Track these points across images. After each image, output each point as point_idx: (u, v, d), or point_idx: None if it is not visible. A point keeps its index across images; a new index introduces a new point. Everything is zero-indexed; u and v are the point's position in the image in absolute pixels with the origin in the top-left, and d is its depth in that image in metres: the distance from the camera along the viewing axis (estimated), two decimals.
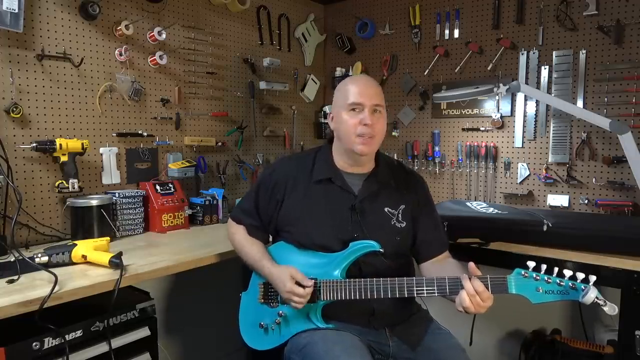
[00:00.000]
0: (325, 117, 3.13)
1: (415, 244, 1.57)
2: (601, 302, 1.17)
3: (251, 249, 1.58)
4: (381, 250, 1.41)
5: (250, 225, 1.63)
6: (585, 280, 1.19)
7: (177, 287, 2.30)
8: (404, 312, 1.53)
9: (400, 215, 1.52)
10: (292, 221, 1.53)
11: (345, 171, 1.54)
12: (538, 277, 1.23)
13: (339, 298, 1.39)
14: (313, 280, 1.38)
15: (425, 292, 1.34)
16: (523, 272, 1.25)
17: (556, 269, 1.23)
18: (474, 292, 1.24)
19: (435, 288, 1.33)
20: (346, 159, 1.53)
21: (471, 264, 1.30)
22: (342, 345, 1.33)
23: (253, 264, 1.56)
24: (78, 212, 1.86)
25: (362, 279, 1.38)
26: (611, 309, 1.17)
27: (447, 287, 1.32)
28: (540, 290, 1.23)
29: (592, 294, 1.16)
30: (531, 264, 1.24)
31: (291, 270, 1.40)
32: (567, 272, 1.21)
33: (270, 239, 1.67)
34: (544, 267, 1.24)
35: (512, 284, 1.25)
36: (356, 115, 1.45)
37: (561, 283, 1.21)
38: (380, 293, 1.36)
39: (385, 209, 1.52)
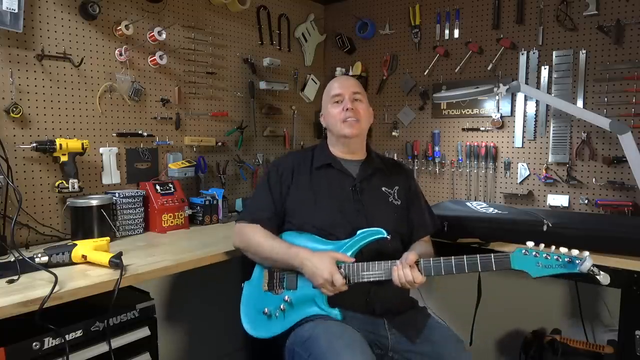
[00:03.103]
0: None
1: (407, 228, 1.67)
2: (595, 271, 1.27)
3: (276, 242, 1.55)
4: (388, 237, 1.47)
5: (267, 219, 1.62)
6: (580, 255, 1.30)
7: (177, 287, 2.30)
8: (400, 301, 1.58)
9: (395, 194, 1.68)
10: (299, 205, 1.61)
11: (341, 158, 1.69)
12: (537, 254, 1.33)
13: (366, 280, 1.44)
14: (353, 258, 1.46)
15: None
16: (524, 251, 1.34)
17: (553, 247, 1.32)
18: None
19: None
20: (340, 147, 1.69)
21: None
22: (344, 341, 1.36)
23: (282, 256, 1.51)
24: (78, 212, 1.86)
25: (384, 262, 1.44)
26: (605, 278, 1.27)
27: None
28: (540, 265, 1.33)
29: (588, 263, 1.25)
30: (530, 243, 1.34)
31: (331, 254, 1.45)
32: (563, 249, 1.32)
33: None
34: (542, 245, 1.34)
35: (514, 260, 1.35)
36: (339, 105, 1.65)
37: (559, 258, 1.32)
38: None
39: (382, 189, 1.67)
